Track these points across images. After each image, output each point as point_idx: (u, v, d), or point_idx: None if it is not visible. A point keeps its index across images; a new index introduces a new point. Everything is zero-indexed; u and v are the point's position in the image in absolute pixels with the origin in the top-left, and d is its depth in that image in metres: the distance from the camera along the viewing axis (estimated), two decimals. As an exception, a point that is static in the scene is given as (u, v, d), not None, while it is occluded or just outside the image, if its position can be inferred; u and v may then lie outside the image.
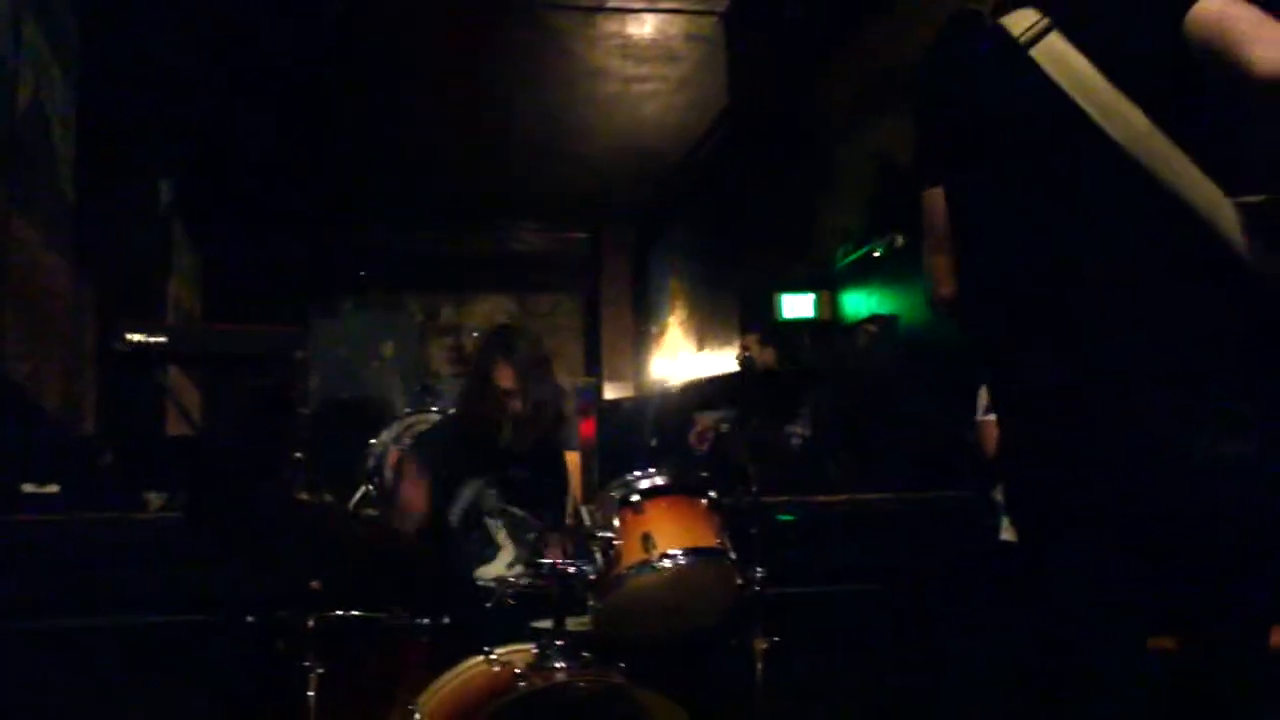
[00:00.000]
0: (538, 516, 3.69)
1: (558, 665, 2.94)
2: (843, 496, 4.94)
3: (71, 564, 3.93)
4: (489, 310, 12.69)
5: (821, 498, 4.87)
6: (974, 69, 2.48)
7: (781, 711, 3.48)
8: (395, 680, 3.17)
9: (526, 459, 3.73)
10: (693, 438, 4.90)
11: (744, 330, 7.99)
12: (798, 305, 8.40)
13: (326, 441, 5.31)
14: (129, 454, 4.93)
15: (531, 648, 3.03)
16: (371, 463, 5.14)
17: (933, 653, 4.50)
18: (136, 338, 4.78)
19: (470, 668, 3.04)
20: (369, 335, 12.14)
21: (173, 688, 3.83)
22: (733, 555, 3.18)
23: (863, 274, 7.83)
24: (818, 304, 8.36)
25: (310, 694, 3.02)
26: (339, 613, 3.18)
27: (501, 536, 3.65)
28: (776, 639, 3.39)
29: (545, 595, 3.18)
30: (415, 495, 3.65)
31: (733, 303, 9.67)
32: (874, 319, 7.30)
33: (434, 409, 5.37)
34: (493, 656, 3.04)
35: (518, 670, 2.95)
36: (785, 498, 4.64)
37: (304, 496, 3.38)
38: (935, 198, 2.58)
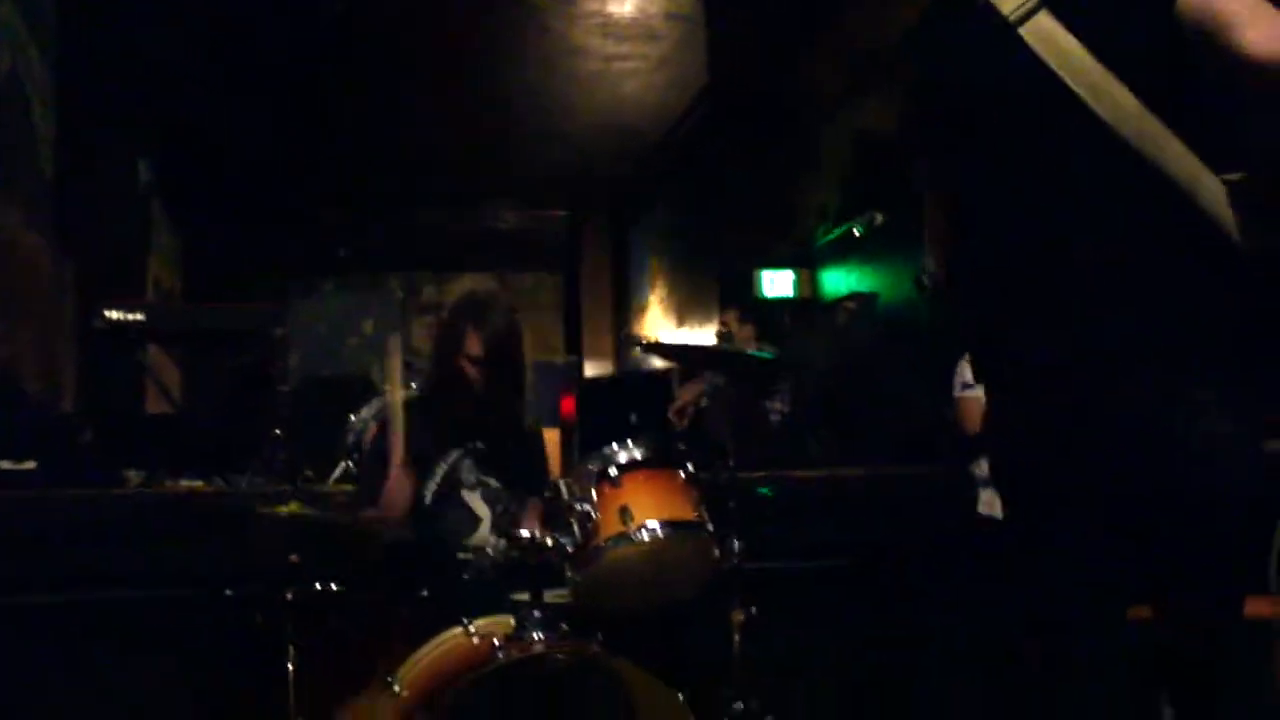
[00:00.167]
0: (514, 488, 3.70)
1: (535, 637, 2.95)
2: (821, 472, 4.97)
3: (49, 540, 3.93)
4: (469, 288, 12.66)
5: (800, 473, 4.89)
6: (963, 47, 2.48)
7: (759, 685, 3.49)
8: (374, 652, 3.18)
9: (498, 431, 3.72)
10: (672, 413, 4.90)
11: (724, 308, 8.00)
12: (778, 283, 8.42)
13: (306, 419, 5.29)
14: (108, 432, 4.93)
15: (509, 620, 3.05)
16: (351, 439, 5.13)
17: (911, 628, 4.52)
18: (115, 315, 4.78)
19: (449, 639, 3.05)
20: (349, 313, 12.13)
21: (152, 663, 3.84)
22: (710, 528, 3.19)
23: (842, 252, 7.86)
24: (798, 282, 8.38)
25: (289, 667, 3.03)
26: (317, 586, 3.20)
27: (481, 508, 3.65)
28: (754, 611, 3.40)
29: (523, 568, 3.19)
30: (400, 498, 3.61)
31: (713, 281, 9.68)
32: (853, 296, 7.33)
33: (414, 385, 5.37)
34: (471, 628, 3.05)
35: (496, 642, 2.96)
36: (764, 473, 4.65)
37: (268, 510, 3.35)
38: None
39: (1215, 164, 2.13)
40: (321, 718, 3.06)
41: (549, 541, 3.06)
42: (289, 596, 3.08)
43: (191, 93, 8.54)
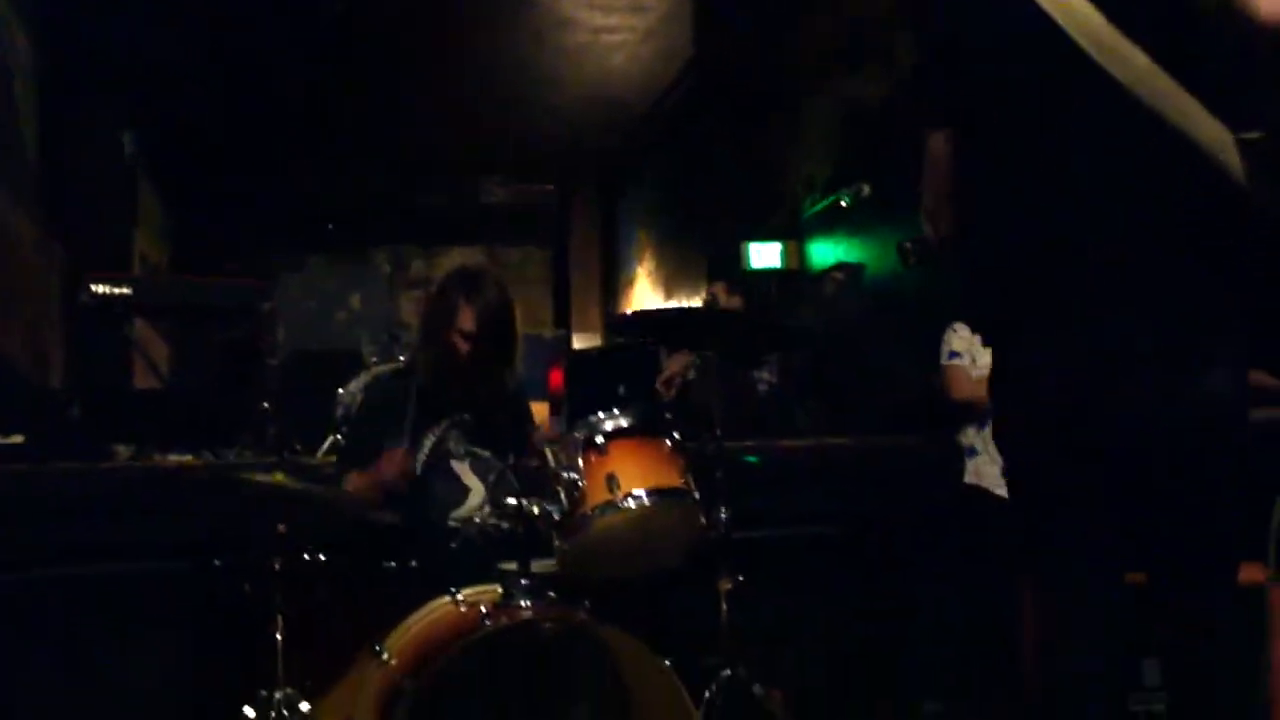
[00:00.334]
0: (502, 457, 3.70)
1: (523, 605, 2.97)
2: (809, 441, 4.98)
3: (37, 514, 3.94)
4: (458, 263, 12.62)
5: (787, 442, 4.91)
6: (974, 8, 2.47)
7: (746, 653, 3.51)
8: (362, 622, 3.19)
9: (488, 401, 3.72)
10: (660, 385, 4.91)
11: (711, 280, 8.01)
12: (765, 255, 8.42)
13: (294, 393, 5.30)
14: (96, 407, 4.93)
15: (497, 588, 3.06)
16: (340, 412, 5.13)
17: (897, 596, 4.55)
18: (102, 289, 4.77)
19: (437, 608, 3.07)
20: (337, 288, 12.12)
21: (141, 634, 3.85)
22: (697, 495, 3.21)
23: (829, 224, 7.85)
24: (785, 253, 8.38)
25: (277, 637, 3.04)
26: (305, 556, 3.21)
27: (470, 478, 3.65)
28: (741, 579, 3.41)
29: (511, 537, 3.20)
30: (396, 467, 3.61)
31: (700, 253, 9.68)
32: (840, 267, 7.33)
33: (401, 359, 5.37)
34: (459, 597, 3.06)
35: (484, 610, 2.97)
36: (751, 442, 4.67)
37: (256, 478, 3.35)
38: (938, 139, 2.56)
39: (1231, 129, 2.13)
40: (310, 687, 3.07)
41: (536, 510, 3.07)
42: (277, 566, 3.08)
43: (176, 66, 8.49)
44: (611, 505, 3.07)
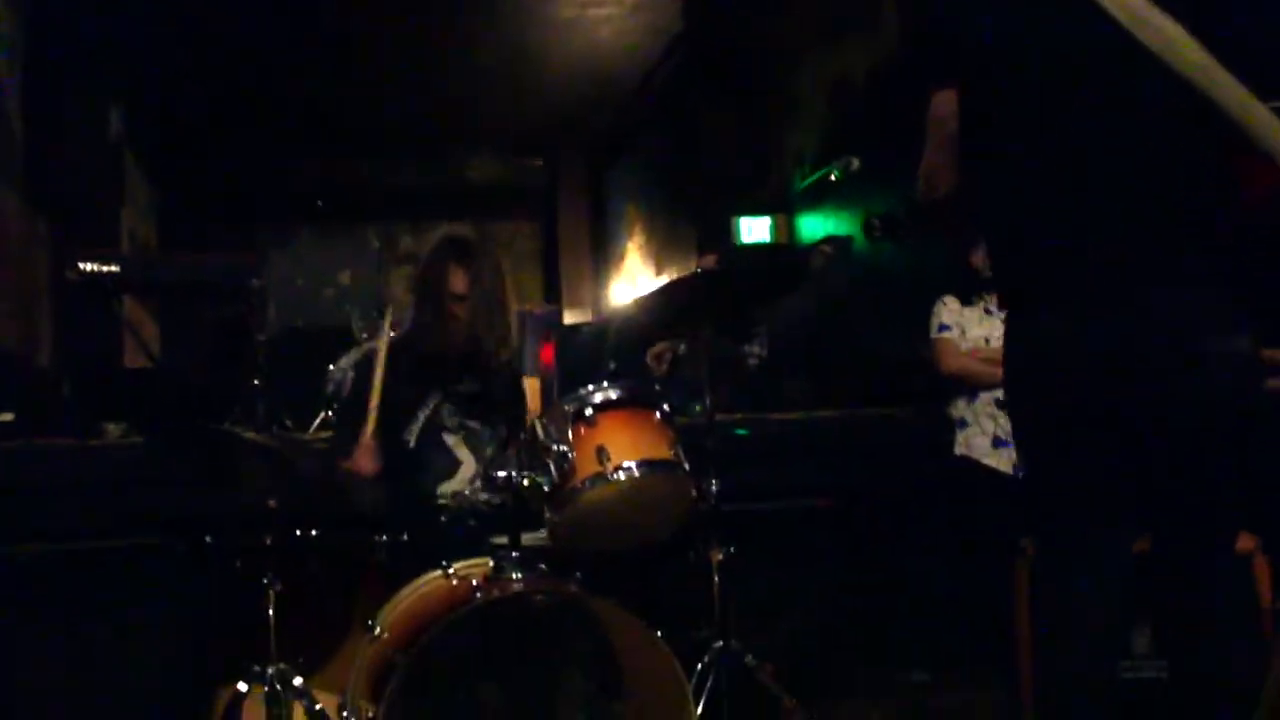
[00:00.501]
0: (494, 430, 3.70)
1: (514, 577, 2.97)
2: (799, 414, 4.99)
3: (28, 491, 3.94)
4: (450, 229, 12.59)
5: (778, 415, 4.91)
6: None
7: (738, 624, 3.52)
8: (354, 596, 3.20)
9: (480, 373, 3.72)
10: (650, 359, 4.91)
11: (701, 253, 8.00)
12: (755, 228, 8.41)
13: (284, 369, 5.29)
14: (86, 385, 4.92)
15: (488, 561, 3.07)
16: (331, 388, 5.13)
17: (888, 568, 4.56)
18: (90, 267, 4.75)
19: (428, 582, 3.08)
20: (326, 264, 12.07)
21: (133, 611, 3.85)
22: (687, 467, 3.21)
23: (819, 197, 7.85)
24: (774, 227, 8.37)
25: (270, 612, 3.04)
26: (297, 531, 3.21)
27: (462, 451, 3.66)
28: (732, 551, 3.42)
29: (502, 511, 3.20)
30: (367, 464, 3.60)
31: (690, 227, 9.67)
32: (829, 240, 7.32)
33: (393, 334, 5.37)
34: (450, 570, 3.07)
35: (475, 583, 2.98)
36: (741, 415, 4.68)
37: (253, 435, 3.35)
38: (944, 99, 2.55)
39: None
40: (303, 662, 3.08)
41: (526, 482, 3.07)
42: (268, 542, 3.08)
43: (162, 43, 8.45)
44: (601, 477, 3.07)
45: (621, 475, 3.07)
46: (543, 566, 3.07)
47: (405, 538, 3.34)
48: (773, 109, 8.66)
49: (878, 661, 4.40)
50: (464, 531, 3.39)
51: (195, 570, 3.80)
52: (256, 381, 4.61)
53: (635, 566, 3.57)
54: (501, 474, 3.12)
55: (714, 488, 3.37)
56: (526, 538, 3.13)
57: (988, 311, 4.58)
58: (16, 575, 3.83)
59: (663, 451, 3.16)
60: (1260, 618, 3.29)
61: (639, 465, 3.10)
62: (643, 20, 9.46)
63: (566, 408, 3.17)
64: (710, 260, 6.34)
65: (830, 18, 7.58)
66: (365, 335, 5.66)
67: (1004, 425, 4.42)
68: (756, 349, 5.89)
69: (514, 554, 3.04)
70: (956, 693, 4.15)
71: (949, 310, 4.63)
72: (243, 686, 3.02)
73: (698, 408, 3.63)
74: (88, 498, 3.96)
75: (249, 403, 4.65)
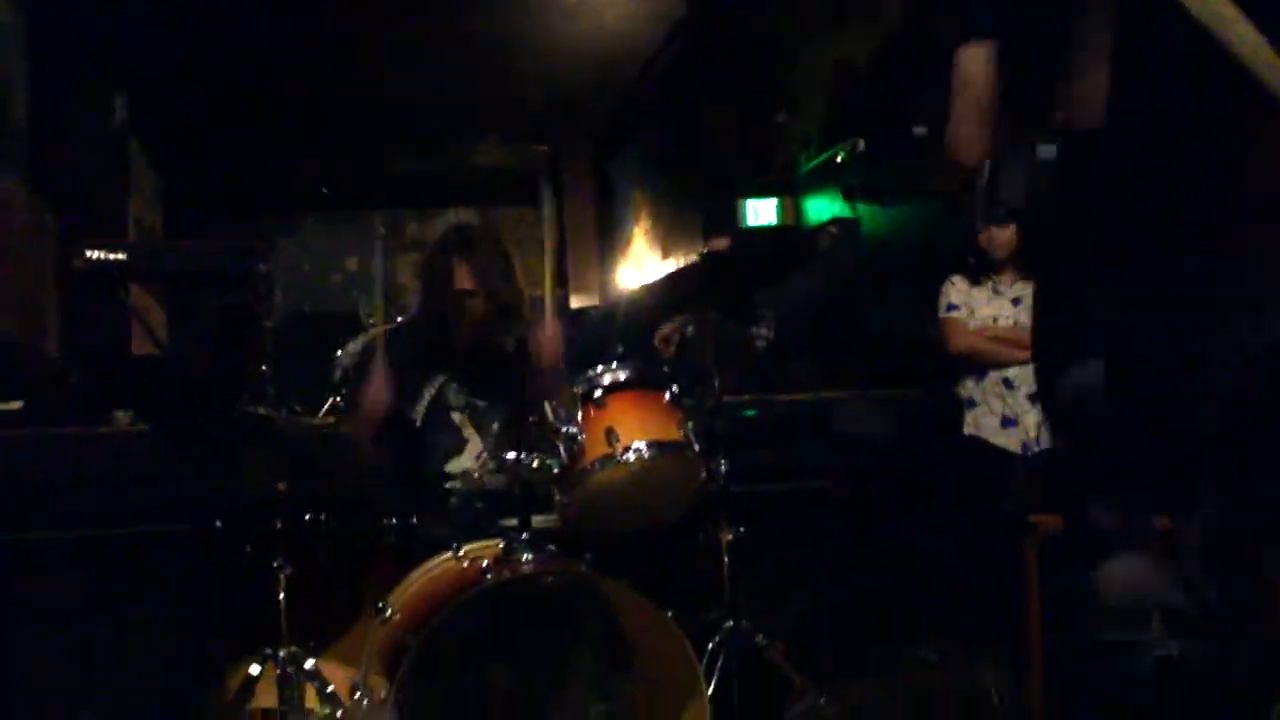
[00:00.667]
0: (501, 407, 3.69)
1: (524, 559, 2.98)
2: (807, 396, 4.98)
3: (38, 479, 3.94)
4: (454, 222, 12.61)
5: (786, 396, 4.91)
6: None
7: (748, 604, 3.53)
8: (364, 579, 3.21)
9: (487, 361, 3.71)
10: (658, 342, 4.90)
11: (707, 237, 7.99)
12: (761, 211, 8.37)
13: (292, 355, 5.29)
14: (95, 373, 4.92)
15: (498, 543, 3.07)
16: (338, 374, 5.13)
17: (895, 547, 4.56)
18: (96, 255, 4.73)
19: (438, 564, 3.09)
20: (332, 250, 12.10)
21: (143, 598, 3.86)
22: (696, 448, 3.21)
23: (826, 179, 7.82)
24: (781, 209, 8.34)
25: (281, 596, 3.05)
26: (307, 515, 3.21)
27: (467, 429, 3.66)
28: (742, 530, 3.42)
29: (511, 494, 3.21)
30: (377, 395, 3.62)
31: (696, 211, 9.64)
32: (836, 221, 7.31)
33: (399, 319, 5.37)
34: (460, 553, 3.08)
35: (485, 565, 2.98)
36: (749, 396, 4.68)
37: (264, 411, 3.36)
38: (974, 56, 2.39)
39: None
40: (314, 645, 3.09)
41: (535, 464, 3.07)
42: (278, 526, 3.09)
43: (166, 31, 8.43)
44: (611, 459, 3.07)
45: (631, 457, 3.08)
46: (552, 548, 3.07)
47: (414, 520, 3.34)
48: (777, 92, 8.63)
49: (887, 641, 4.40)
50: (472, 514, 3.39)
51: (205, 555, 3.80)
52: (264, 368, 4.61)
53: (645, 548, 3.57)
54: (510, 456, 3.12)
55: (723, 469, 3.37)
56: (536, 521, 3.13)
57: (996, 291, 4.58)
58: (26, 562, 3.84)
59: (672, 433, 3.17)
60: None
61: (648, 446, 3.10)
62: (645, 5, 9.42)
63: (575, 389, 3.17)
64: (722, 243, 6.34)
65: (833, 0, 7.56)
66: (372, 321, 5.66)
67: (1012, 405, 4.42)
68: (764, 331, 5.88)
69: (524, 535, 3.04)
70: (965, 672, 4.14)
71: (957, 290, 4.63)
72: (255, 669, 3.03)
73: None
74: (97, 485, 3.97)
75: (257, 389, 4.65)
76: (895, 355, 5.45)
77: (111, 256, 4.75)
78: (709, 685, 3.15)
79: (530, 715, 2.96)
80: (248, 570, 3.19)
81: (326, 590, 3.22)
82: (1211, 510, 2.31)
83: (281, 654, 2.99)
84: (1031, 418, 4.39)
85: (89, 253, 4.72)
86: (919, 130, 5.65)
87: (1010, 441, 4.40)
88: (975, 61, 2.39)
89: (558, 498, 3.13)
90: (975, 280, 4.62)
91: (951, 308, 4.61)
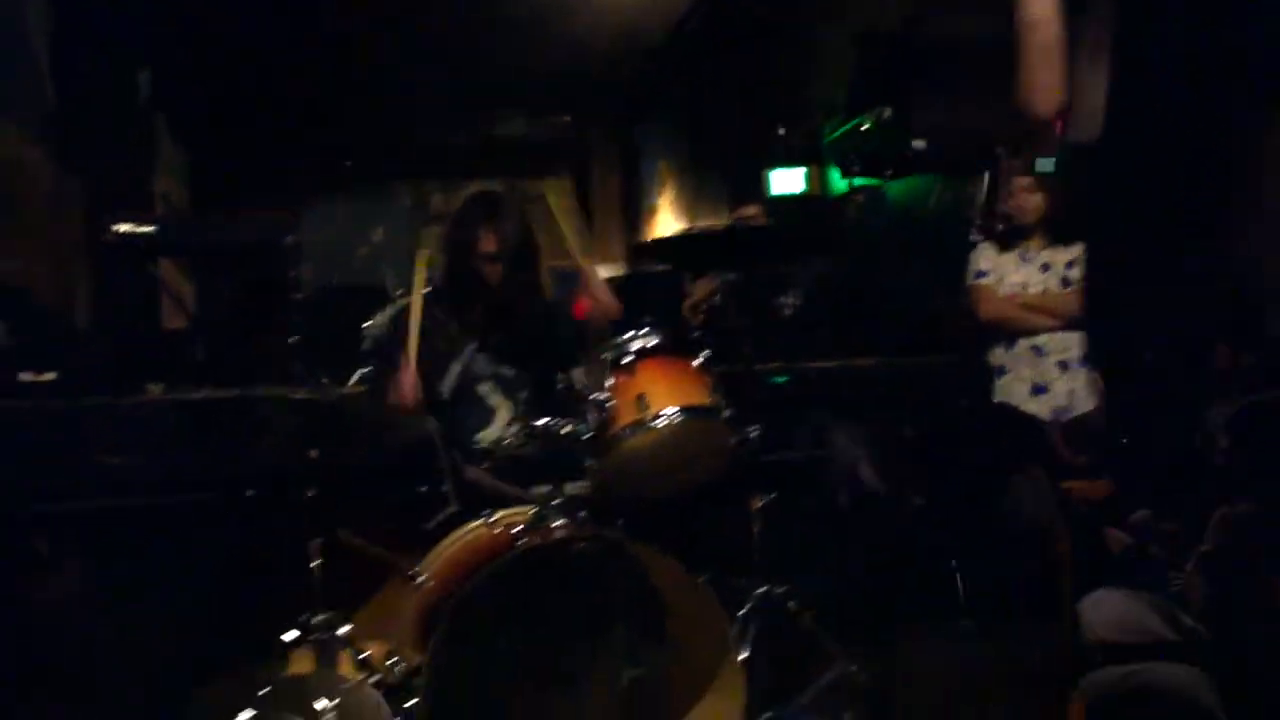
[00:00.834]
0: (530, 376, 3.70)
1: (556, 524, 2.98)
2: (836, 363, 4.97)
3: (72, 449, 3.97)
4: (479, 188, 12.58)
5: (815, 363, 4.90)
6: None
7: (779, 571, 3.53)
8: (396, 547, 3.21)
9: (516, 323, 3.72)
10: (686, 310, 4.91)
11: (733, 207, 7.97)
12: (787, 180, 8.34)
13: (319, 327, 5.31)
14: (126, 346, 4.95)
15: (529, 509, 3.07)
16: (367, 345, 5.15)
17: (927, 515, 4.55)
18: (124, 229, 4.77)
19: (470, 531, 3.09)
20: (358, 222, 12.11)
21: (177, 567, 3.88)
22: (727, 413, 3.20)
23: (852, 148, 7.78)
24: (807, 178, 8.31)
25: (314, 564, 3.07)
26: (338, 482, 3.22)
27: (495, 399, 3.66)
28: (773, 496, 3.42)
29: (542, 460, 3.21)
30: (408, 387, 3.62)
31: (722, 181, 9.62)
32: (862, 189, 7.28)
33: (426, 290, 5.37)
34: (492, 519, 3.08)
35: (517, 530, 2.99)
36: (778, 364, 4.67)
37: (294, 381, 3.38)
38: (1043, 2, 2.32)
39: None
40: (347, 612, 3.10)
41: (565, 430, 3.07)
42: (310, 494, 3.10)
43: (189, 5, 8.44)
44: (642, 424, 3.07)
45: (662, 422, 3.08)
46: (584, 514, 3.07)
47: (446, 487, 3.35)
48: (802, 60, 8.59)
49: (920, 609, 4.39)
50: (503, 481, 3.40)
51: (238, 524, 3.82)
52: (292, 340, 4.63)
53: (676, 513, 3.57)
54: (540, 422, 3.13)
55: (753, 434, 3.36)
56: (568, 487, 3.13)
57: (1025, 257, 4.54)
58: (62, 533, 3.86)
59: (703, 398, 3.16)
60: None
61: (679, 412, 3.10)
62: (672, -30, 9.38)
63: (605, 356, 3.16)
64: (752, 210, 6.32)
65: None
66: (399, 292, 5.67)
67: (1042, 372, 4.40)
68: (791, 299, 5.87)
69: (555, 501, 3.05)
70: (1001, 641, 4.13)
71: (986, 256, 4.60)
72: (290, 636, 3.04)
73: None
74: (130, 455, 3.99)
75: (286, 361, 4.67)
76: (924, 323, 5.43)
77: (140, 230, 4.78)
78: (741, 651, 3.15)
79: (563, 681, 2.95)
80: (281, 538, 3.21)
81: (359, 557, 3.22)
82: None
83: (316, 621, 3.00)
84: (1062, 384, 4.37)
85: (118, 226, 4.75)
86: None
87: (1041, 408, 4.38)
88: (1043, 4, 2.31)
89: (589, 463, 3.13)
90: (1004, 246, 4.59)
91: (980, 274, 4.59)
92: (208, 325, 6.66)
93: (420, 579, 3.01)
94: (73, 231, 6.56)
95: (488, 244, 3.64)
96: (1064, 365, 4.38)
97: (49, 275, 6.15)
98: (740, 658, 3.10)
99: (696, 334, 3.42)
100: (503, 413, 3.64)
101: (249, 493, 3.64)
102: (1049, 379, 4.39)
